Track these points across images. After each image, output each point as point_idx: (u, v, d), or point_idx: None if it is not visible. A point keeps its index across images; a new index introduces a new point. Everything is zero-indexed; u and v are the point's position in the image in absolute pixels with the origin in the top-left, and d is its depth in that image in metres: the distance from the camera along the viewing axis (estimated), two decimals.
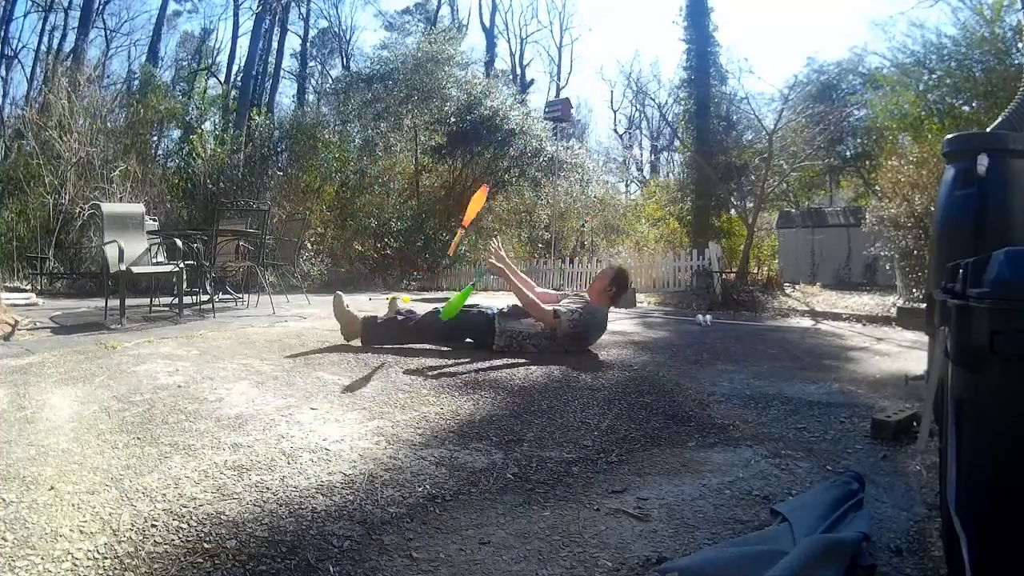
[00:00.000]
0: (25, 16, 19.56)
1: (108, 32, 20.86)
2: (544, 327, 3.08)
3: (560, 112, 12.49)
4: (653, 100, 24.54)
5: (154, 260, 4.73)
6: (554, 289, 3.66)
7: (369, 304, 5.57)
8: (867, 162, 10.86)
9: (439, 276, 12.42)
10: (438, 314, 3.13)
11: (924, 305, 1.70)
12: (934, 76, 7.58)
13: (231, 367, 2.66)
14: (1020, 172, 1.60)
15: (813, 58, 14.13)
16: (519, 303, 3.19)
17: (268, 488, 1.41)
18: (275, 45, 22.65)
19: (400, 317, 3.28)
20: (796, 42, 39.33)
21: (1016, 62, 6.55)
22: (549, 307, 3.12)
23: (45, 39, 19.14)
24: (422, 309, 3.40)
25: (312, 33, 25.86)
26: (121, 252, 3.98)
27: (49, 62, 13.04)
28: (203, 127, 13.15)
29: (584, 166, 13.86)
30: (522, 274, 3.44)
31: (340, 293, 3.38)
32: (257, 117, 12.51)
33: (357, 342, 3.25)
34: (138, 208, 4.86)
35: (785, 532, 1.15)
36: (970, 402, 0.87)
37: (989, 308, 0.78)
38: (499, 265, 3.28)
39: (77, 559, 1.08)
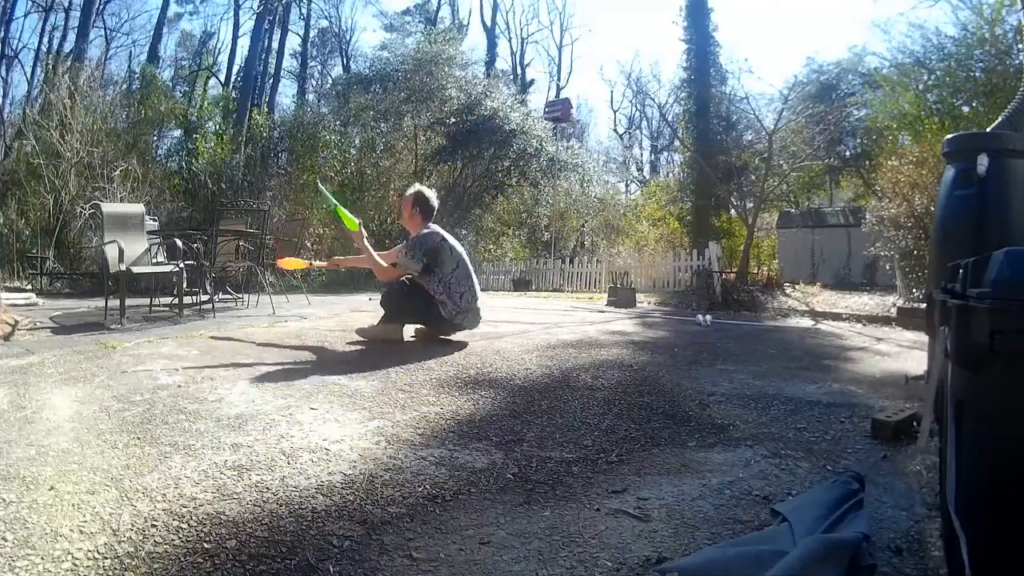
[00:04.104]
0: (25, 16, 19.54)
1: (108, 32, 20.82)
2: (404, 278, 3.26)
3: (560, 112, 12.50)
4: (653, 100, 24.61)
5: (154, 260, 4.73)
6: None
7: (369, 304, 5.58)
8: (867, 162, 10.85)
9: None
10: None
11: (924, 305, 1.70)
12: (934, 76, 7.56)
13: (231, 367, 2.66)
14: (1020, 172, 1.60)
15: (813, 58, 14.15)
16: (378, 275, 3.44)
17: (268, 488, 1.41)
18: (275, 45, 22.65)
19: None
20: (796, 42, 39.31)
21: (1016, 62, 6.53)
22: (387, 263, 3.35)
23: (45, 39, 19.13)
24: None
25: (312, 33, 25.88)
26: (121, 252, 3.98)
27: (49, 62, 13.03)
28: (205, 127, 13.14)
29: (584, 166, 13.86)
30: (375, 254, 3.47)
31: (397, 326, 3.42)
32: (258, 117, 12.52)
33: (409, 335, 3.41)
34: (138, 208, 4.86)
35: (785, 532, 1.15)
36: (970, 402, 0.87)
37: (989, 308, 0.78)
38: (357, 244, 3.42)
39: (77, 559, 1.08)
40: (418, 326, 3.43)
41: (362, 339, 3.34)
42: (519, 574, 1.08)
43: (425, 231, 3.30)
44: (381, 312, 3.38)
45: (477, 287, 3.37)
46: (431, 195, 3.42)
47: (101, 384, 2.33)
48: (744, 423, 1.98)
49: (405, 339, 3.37)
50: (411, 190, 3.47)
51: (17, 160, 9.83)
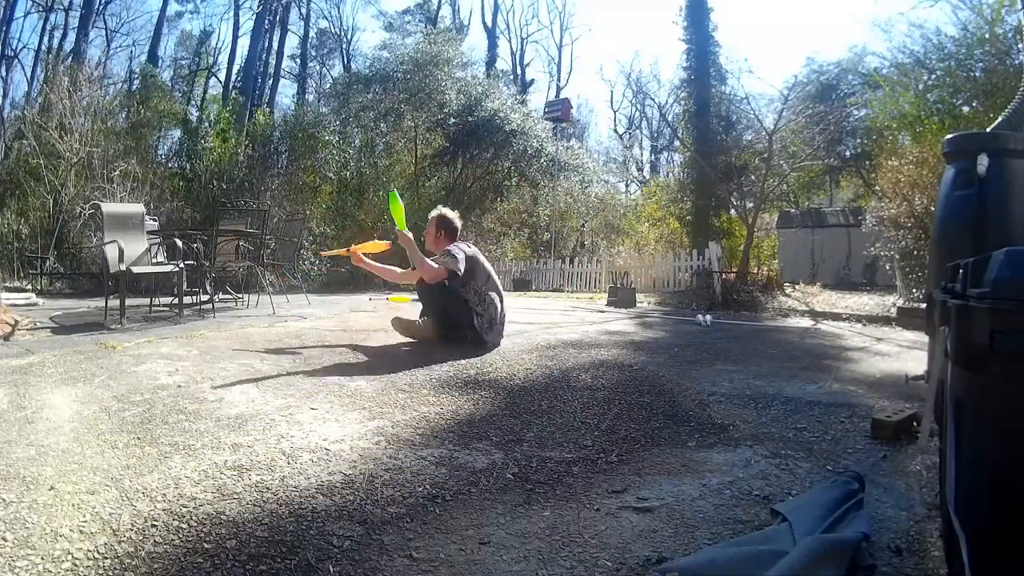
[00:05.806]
0: (25, 16, 19.49)
1: (108, 32, 20.83)
2: (441, 278, 3.11)
3: (560, 112, 12.49)
4: (653, 100, 24.64)
5: (154, 260, 4.72)
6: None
7: (369, 304, 5.58)
8: (867, 162, 10.85)
9: None
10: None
11: (924, 305, 1.70)
12: (934, 76, 7.57)
13: (231, 367, 2.66)
14: (1020, 172, 1.60)
15: (813, 58, 14.14)
16: (405, 280, 3.32)
17: (268, 488, 1.41)
18: (275, 45, 22.68)
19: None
20: (796, 42, 39.29)
21: (1016, 62, 6.53)
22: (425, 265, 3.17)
23: (45, 39, 19.12)
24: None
25: (312, 33, 25.87)
26: (121, 252, 3.98)
27: (49, 62, 13.03)
28: (207, 128, 13.12)
29: (584, 166, 13.85)
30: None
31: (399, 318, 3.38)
32: (261, 117, 12.51)
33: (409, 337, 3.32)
34: (138, 208, 4.86)
35: (785, 532, 1.16)
36: (970, 402, 0.87)
37: (989, 308, 0.78)
38: (362, 264, 3.42)
39: (77, 559, 1.08)
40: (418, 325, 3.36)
41: (402, 336, 3.28)
42: (519, 574, 1.08)
43: (456, 244, 3.24)
44: (382, 312, 3.39)
45: (502, 306, 3.29)
46: (453, 216, 3.38)
47: (101, 384, 2.33)
48: (744, 423, 1.98)
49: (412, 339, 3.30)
50: (433, 213, 3.40)
51: (17, 160, 9.82)
